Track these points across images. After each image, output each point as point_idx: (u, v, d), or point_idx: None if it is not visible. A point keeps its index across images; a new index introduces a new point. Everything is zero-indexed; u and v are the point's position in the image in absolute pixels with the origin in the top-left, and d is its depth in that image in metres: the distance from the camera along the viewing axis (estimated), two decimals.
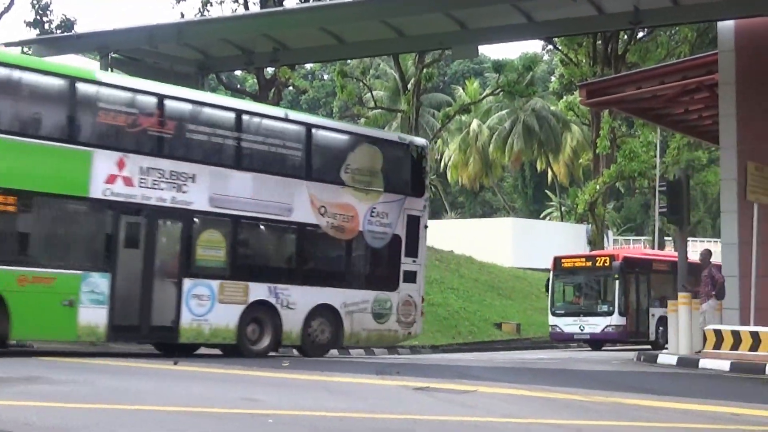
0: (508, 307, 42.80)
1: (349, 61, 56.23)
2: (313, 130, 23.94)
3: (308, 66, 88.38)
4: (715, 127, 28.18)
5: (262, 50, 30.76)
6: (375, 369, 17.94)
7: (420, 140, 27.32)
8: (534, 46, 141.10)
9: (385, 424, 9.73)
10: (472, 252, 51.07)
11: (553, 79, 75.73)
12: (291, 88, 51.87)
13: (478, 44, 29.25)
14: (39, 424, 8.69)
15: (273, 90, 45.23)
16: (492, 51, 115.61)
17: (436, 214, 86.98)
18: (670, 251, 56.55)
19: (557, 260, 38.51)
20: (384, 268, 25.18)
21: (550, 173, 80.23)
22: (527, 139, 76.81)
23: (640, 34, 51.33)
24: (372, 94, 57.62)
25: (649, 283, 38.21)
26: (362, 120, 69.31)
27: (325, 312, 23.31)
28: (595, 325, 36.50)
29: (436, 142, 71.17)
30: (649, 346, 35.54)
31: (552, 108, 75.19)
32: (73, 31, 42.73)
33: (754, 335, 21.01)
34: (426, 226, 25.76)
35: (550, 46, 62.70)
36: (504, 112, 79.07)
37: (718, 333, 21.73)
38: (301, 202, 22.98)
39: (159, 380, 14.34)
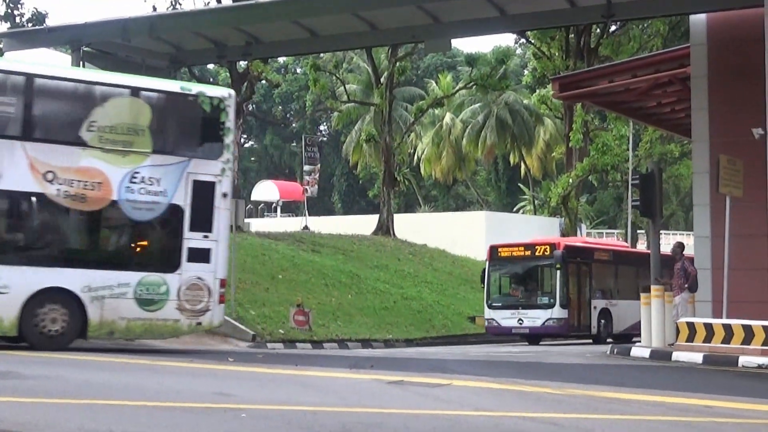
0: (482, 300, 42.79)
1: (322, 54, 56.17)
2: (36, 81, 20.36)
3: (281, 60, 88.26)
4: (688, 121, 28.27)
5: (235, 44, 30.75)
6: (348, 363, 17.92)
7: (217, 90, 22.94)
8: (507, 40, 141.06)
9: (358, 417, 9.70)
10: (445, 245, 51.13)
11: (525, 72, 75.86)
12: (264, 81, 51.73)
13: (450, 38, 29.30)
14: (10, 420, 8.62)
15: (245, 83, 45.10)
16: (465, 44, 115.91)
17: (410, 207, 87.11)
18: (641, 244, 56.80)
19: (493, 249, 36.67)
20: (155, 244, 21.87)
21: (523, 167, 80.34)
22: (500, 133, 76.90)
23: (613, 28, 51.42)
24: (345, 87, 57.57)
25: (591, 274, 36.68)
26: (335, 114, 69.41)
27: (58, 297, 19.87)
28: (535, 318, 34.65)
29: (409, 136, 71.16)
30: (590, 341, 35.22)
31: (525, 101, 75.29)
32: (44, 25, 42.46)
33: (727, 328, 21.08)
34: (225, 194, 21.64)
35: (523, 40, 62.71)
36: (477, 105, 79.09)
37: (690, 325, 21.79)
38: (14, 167, 19.66)
39: (131, 375, 14.26)
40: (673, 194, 74.81)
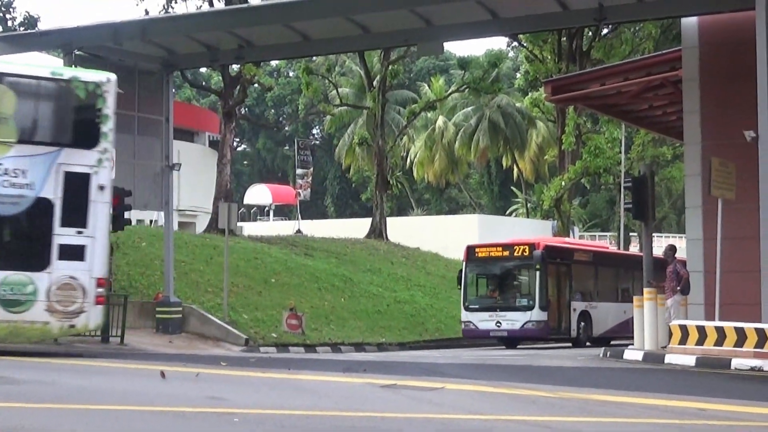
0: None
1: (314, 58, 56.19)
2: None
3: (273, 63, 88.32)
4: (680, 123, 28.28)
5: (227, 47, 30.69)
6: (342, 367, 17.91)
7: (94, 75, 21.36)
8: (499, 43, 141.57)
9: (351, 421, 9.70)
10: (438, 249, 51.15)
11: (518, 75, 75.95)
12: (256, 85, 51.74)
13: (443, 41, 29.28)
14: (3, 425, 8.61)
15: (238, 87, 45.09)
16: (457, 48, 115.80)
17: (403, 210, 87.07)
18: (634, 246, 56.78)
19: (470, 249, 35.37)
20: (20, 241, 20.42)
21: (515, 170, 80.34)
22: (493, 136, 76.92)
23: (605, 31, 51.48)
24: (337, 91, 57.55)
25: (571, 275, 35.40)
26: (328, 117, 69.44)
27: None
28: (514, 320, 33.25)
29: (401, 139, 71.18)
30: (569, 344, 34.33)
31: (517, 104, 75.30)
32: (36, 29, 42.44)
33: (719, 330, 21.09)
34: (102, 187, 20.20)
35: (515, 43, 62.83)
36: (469, 108, 79.12)
37: (683, 328, 21.80)
38: None
39: (124, 379, 14.25)
40: (666, 197, 74.92)
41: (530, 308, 33.15)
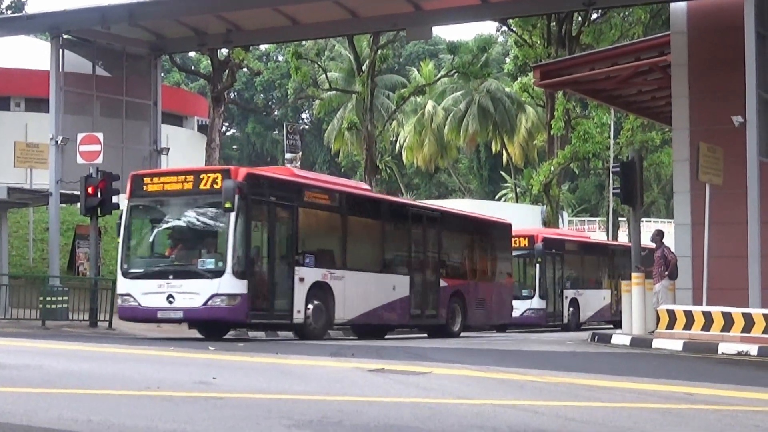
0: None
1: (303, 42, 56.07)
2: None
3: (262, 47, 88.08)
4: (668, 108, 28.35)
5: (216, 31, 30.70)
6: (329, 351, 17.90)
7: None
8: (488, 28, 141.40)
9: (339, 405, 9.69)
10: None
11: (507, 60, 75.82)
12: (245, 69, 51.62)
13: (432, 25, 29.34)
14: None
15: (227, 72, 45.02)
16: (447, 32, 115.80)
17: (392, 195, 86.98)
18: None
19: (136, 180, 23.02)
20: None
21: (505, 155, 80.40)
22: (482, 121, 76.89)
23: (594, 16, 51.49)
24: (327, 75, 57.41)
25: (296, 223, 23.39)
26: (317, 101, 69.39)
27: None
28: (193, 294, 21.55)
29: (391, 124, 71.14)
30: (295, 336, 24.39)
31: (507, 89, 75.28)
32: (23, 12, 42.24)
33: (707, 315, 21.16)
34: None
35: (505, 28, 62.78)
36: (459, 93, 79.09)
37: (671, 313, 21.87)
38: None
39: (112, 364, 14.23)
40: (654, 182, 75.02)
41: (220, 274, 21.43)
